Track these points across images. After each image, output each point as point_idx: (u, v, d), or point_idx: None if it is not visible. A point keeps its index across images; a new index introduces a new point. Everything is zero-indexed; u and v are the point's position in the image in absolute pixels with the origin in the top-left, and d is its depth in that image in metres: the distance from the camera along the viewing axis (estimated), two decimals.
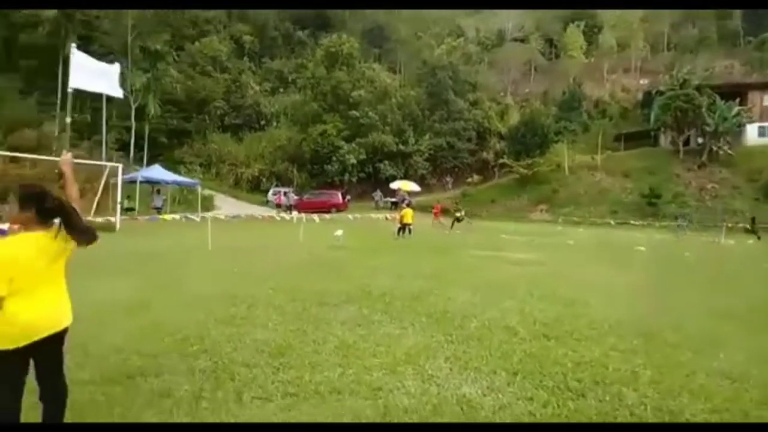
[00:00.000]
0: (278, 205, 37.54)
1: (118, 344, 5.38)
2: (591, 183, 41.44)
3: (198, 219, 24.01)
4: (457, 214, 27.20)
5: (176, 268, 11.03)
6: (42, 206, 3.01)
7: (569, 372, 4.99)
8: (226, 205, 35.66)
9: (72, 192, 3.44)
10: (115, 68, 6.07)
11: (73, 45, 4.62)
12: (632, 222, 33.94)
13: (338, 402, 4.12)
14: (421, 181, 43.45)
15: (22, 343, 2.90)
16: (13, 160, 22.30)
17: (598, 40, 65.91)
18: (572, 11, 66.30)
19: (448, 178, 47.50)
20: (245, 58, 58.49)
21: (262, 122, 52.54)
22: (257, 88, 54.13)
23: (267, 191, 42.03)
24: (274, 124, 52.11)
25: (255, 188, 44.79)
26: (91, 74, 4.73)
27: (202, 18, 58.70)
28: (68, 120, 4.39)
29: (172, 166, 37.46)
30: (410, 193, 35.43)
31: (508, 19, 70.04)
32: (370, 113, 43.87)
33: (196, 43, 53.55)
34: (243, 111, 52.06)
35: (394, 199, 38.91)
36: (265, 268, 11.26)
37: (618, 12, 63.36)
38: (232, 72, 53.80)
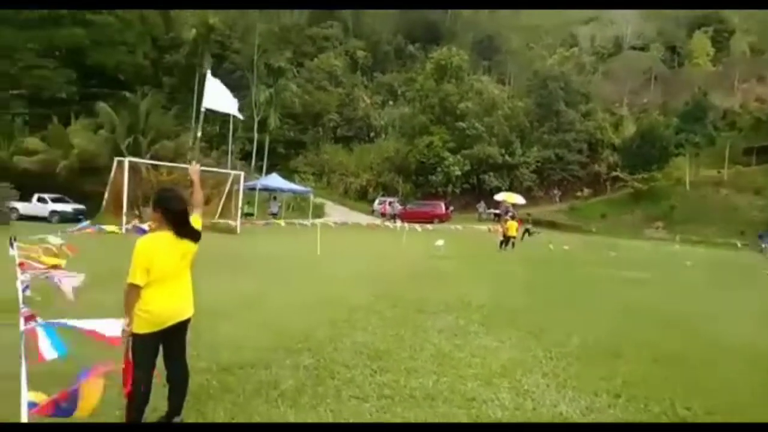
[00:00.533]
0: (383, 214, 38.24)
1: (233, 337, 5.79)
2: (716, 200, 38.03)
3: (309, 225, 25.08)
4: (528, 227, 26.37)
5: (287, 271, 11.63)
6: (168, 208, 3.38)
7: (678, 398, 4.65)
8: (335, 213, 36.92)
9: (197, 197, 3.88)
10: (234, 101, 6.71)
11: (209, 71, 5.14)
12: (765, 245, 30.58)
13: (431, 408, 4.16)
14: (526, 193, 42.27)
15: (154, 329, 3.30)
16: (154, 167, 24.66)
17: (729, 46, 60.52)
18: (699, 16, 61.51)
19: (556, 191, 45.81)
20: (358, 73, 60.42)
21: (372, 134, 53.91)
22: (368, 101, 55.68)
23: (373, 200, 42.96)
24: (383, 135, 53.26)
25: (362, 197, 45.95)
26: (220, 97, 5.22)
27: (321, 35, 61.57)
28: (198, 134, 4.92)
29: (287, 175, 39.51)
30: (515, 206, 34.58)
31: (627, 27, 66.38)
32: (477, 125, 43.48)
33: (315, 60, 56.21)
34: (354, 123, 53.77)
35: (497, 211, 38.17)
36: (368, 274, 11.54)
37: (752, 14, 57.76)
38: (346, 86, 55.81)
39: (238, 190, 24.16)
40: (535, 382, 4.89)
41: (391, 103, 56.97)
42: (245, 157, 43.79)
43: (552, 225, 35.84)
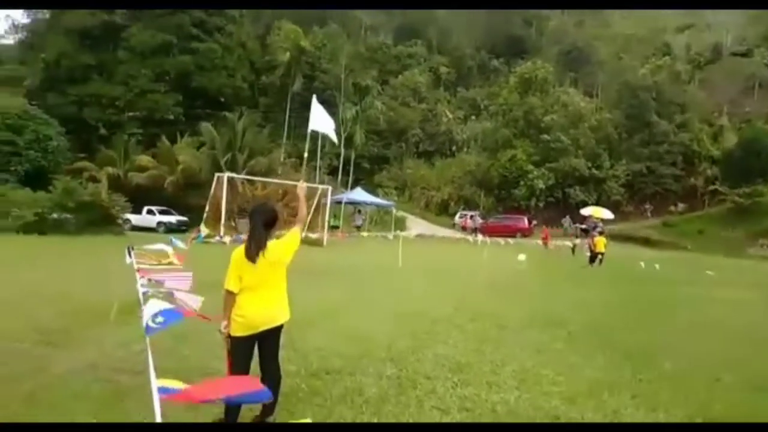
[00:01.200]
0: (464, 228, 37.89)
1: (320, 344, 6.01)
2: None
3: (391, 238, 25.37)
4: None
5: (370, 282, 11.85)
6: (262, 220, 3.61)
7: None
8: (417, 226, 37.06)
9: (301, 212, 4.15)
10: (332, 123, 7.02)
11: (314, 96, 5.46)
12: None
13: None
14: (615, 207, 40.23)
15: (249, 332, 3.53)
16: (249, 182, 26.02)
17: None
18: None
19: (647, 206, 43.29)
20: (441, 88, 60.63)
21: (454, 148, 53.76)
22: (451, 116, 55.65)
23: (454, 214, 42.70)
24: (465, 150, 52.95)
25: (443, 211, 45.80)
26: (322, 120, 5.54)
27: (405, 53, 62.48)
28: (305, 155, 5.21)
29: (372, 189, 40.26)
30: (603, 221, 33.10)
31: (727, 33, 61.95)
32: (562, 137, 42.13)
33: (399, 77, 57.08)
34: (437, 138, 53.91)
35: (584, 226, 36.65)
36: (449, 287, 11.51)
37: None
38: (429, 102, 56.16)
39: (325, 203, 24.92)
40: (623, 404, 4.68)
41: (473, 117, 56.58)
42: (332, 172, 45.11)
43: (643, 241, 33.92)
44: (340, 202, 31.68)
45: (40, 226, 20.26)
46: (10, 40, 59.56)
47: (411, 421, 4.04)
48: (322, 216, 24.83)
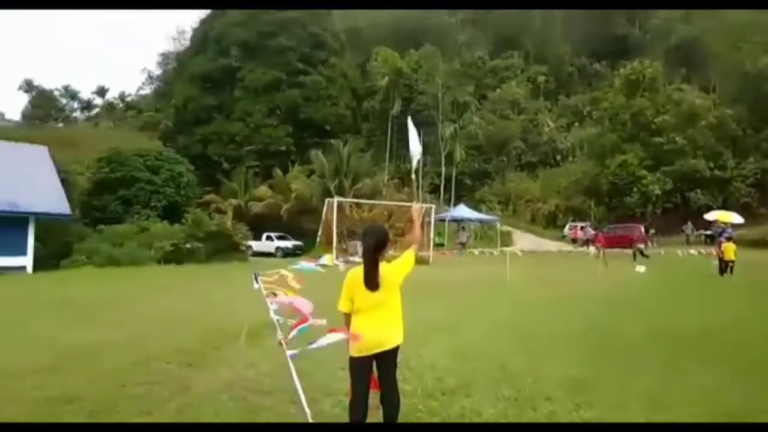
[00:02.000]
0: (574, 240, 36.13)
1: (434, 363, 5.99)
2: None
3: (497, 253, 24.83)
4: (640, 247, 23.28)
5: (479, 298, 11.66)
6: (374, 243, 3.66)
7: None
8: (523, 241, 35.94)
9: (416, 232, 4.16)
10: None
11: (409, 118, 5.54)
12: None
13: None
14: (744, 210, 36.28)
15: (365, 353, 3.59)
16: (357, 205, 26.84)
17: None
18: None
19: None
20: (541, 98, 58.89)
21: (558, 158, 51.80)
22: (553, 125, 53.80)
23: (563, 226, 40.90)
24: (570, 158, 50.80)
25: (551, 223, 44.08)
26: (415, 142, 5.56)
27: (502, 66, 61.60)
28: (413, 176, 5.31)
29: (474, 205, 39.79)
30: (731, 225, 29.95)
31: None
32: (677, 138, 38.96)
33: (497, 90, 56.30)
34: (539, 148, 52.27)
35: (709, 232, 33.41)
36: (562, 302, 11.01)
37: None
38: (529, 112, 54.74)
39: (429, 222, 25.01)
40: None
41: (577, 124, 54.25)
42: (434, 190, 45.23)
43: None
44: (443, 220, 31.65)
45: (176, 256, 22.29)
46: (147, 90, 66.76)
47: None
48: (426, 234, 24.92)
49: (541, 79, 60.30)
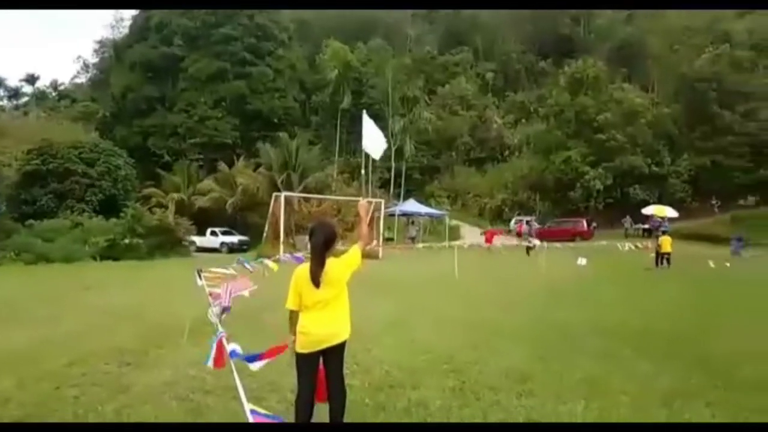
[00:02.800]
0: (519, 234, 37.20)
1: (381, 357, 6.07)
2: None
3: (446, 247, 25.23)
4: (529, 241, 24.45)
5: (427, 293, 11.84)
6: (322, 239, 3.67)
7: None
8: (471, 235, 36.64)
9: (362, 229, 4.23)
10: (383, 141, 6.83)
11: (364, 111, 5.50)
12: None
13: None
14: (679, 204, 38.41)
15: (313, 349, 3.62)
16: (305, 200, 26.62)
17: None
18: None
19: (714, 201, 41.05)
20: (489, 94, 60.09)
21: (505, 153, 53.05)
22: (500, 121, 55.02)
23: (509, 221, 41.99)
24: (517, 154, 52.13)
25: (497, 217, 45.13)
26: (373, 138, 5.53)
27: (452, 62, 62.40)
28: (362, 171, 5.28)
29: (424, 199, 40.24)
30: (667, 219, 31.64)
31: None
32: (618, 135, 40.69)
33: (446, 86, 56.99)
34: (487, 144, 53.37)
35: (646, 226, 35.21)
36: (507, 295, 11.35)
37: None
38: (478, 108, 55.74)
39: (379, 216, 25.12)
40: (698, 413, 4.49)
41: (523, 121, 55.71)
42: (384, 184, 45.41)
43: (711, 239, 32.16)
44: (393, 215, 31.86)
45: (114, 252, 21.47)
46: (82, 79, 63.67)
47: None
48: (376, 229, 25.03)
49: (490, 75, 61.52)
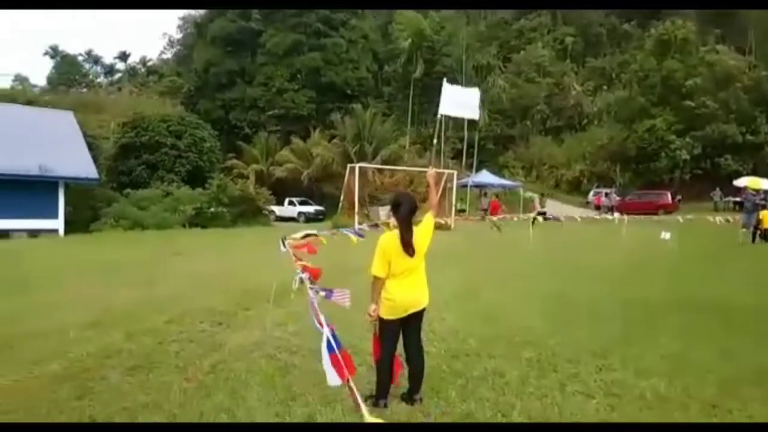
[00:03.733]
0: (597, 207, 35.69)
1: (456, 326, 6.13)
2: None
3: (518, 219, 24.71)
4: (537, 212, 22.73)
5: (502, 264, 11.72)
6: (408, 209, 3.78)
7: None
8: (547, 206, 35.52)
9: (432, 198, 4.34)
10: (475, 92, 6.64)
11: (444, 78, 5.45)
12: None
13: (665, 411, 3.91)
14: None
15: (397, 316, 3.77)
16: (379, 170, 26.85)
17: None
18: None
19: None
20: (568, 60, 57.24)
21: (584, 122, 50.63)
22: (579, 88, 52.40)
23: (587, 192, 40.35)
24: (596, 123, 49.63)
25: (575, 189, 43.47)
26: (457, 103, 5.48)
27: (528, 27, 59.84)
28: (435, 141, 5.25)
29: (497, 170, 39.42)
30: (762, 192, 29.18)
31: None
32: (708, 102, 37.73)
33: (521, 52, 54.87)
34: (564, 113, 51.12)
35: (737, 199, 32.71)
36: (584, 268, 11.01)
37: None
38: (555, 75, 53.34)
39: (451, 188, 24.92)
40: None
41: (604, 87, 52.77)
42: (456, 155, 44.82)
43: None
44: (465, 186, 31.50)
45: (201, 220, 22.73)
46: (168, 55, 66.72)
47: (554, 403, 4.01)
48: (448, 200, 24.88)
49: (569, 40, 58.44)
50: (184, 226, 22.26)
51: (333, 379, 3.33)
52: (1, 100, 36.18)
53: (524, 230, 16.27)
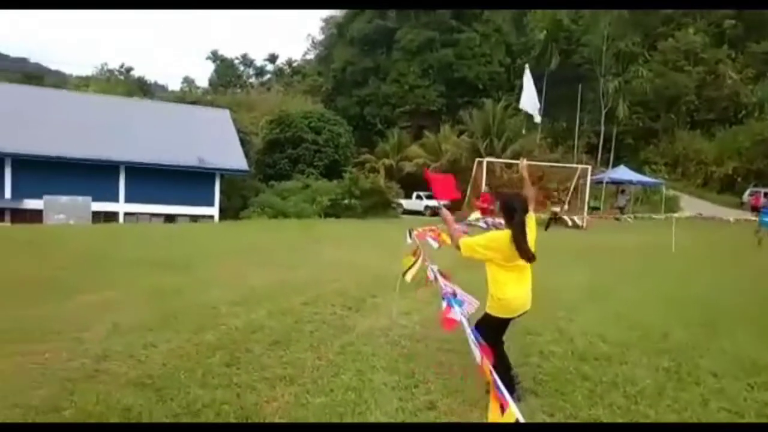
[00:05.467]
0: (754, 208, 31.43)
1: (585, 328, 5.79)
2: None
3: (663, 219, 22.64)
4: (556, 210, 19.61)
5: (638, 266, 10.84)
6: (524, 214, 3.66)
7: None
8: (693, 207, 32.14)
9: (527, 190, 4.17)
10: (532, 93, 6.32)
11: (526, 66, 5.15)
12: None
13: None
14: None
15: (508, 316, 3.75)
16: (507, 165, 26.20)
17: None
18: None
19: None
20: (725, 46, 50.94)
21: (740, 114, 44.75)
22: (736, 77, 46.41)
23: (742, 192, 35.73)
24: (756, 114, 43.60)
25: (727, 188, 38.71)
26: (530, 97, 5.24)
27: (679, 11, 54.21)
28: (539, 135, 5.01)
29: (636, 166, 36.36)
30: None
31: None
32: None
33: (670, 39, 49.87)
34: (717, 104, 45.58)
35: None
36: (732, 274, 9.80)
37: None
38: (708, 63, 47.75)
39: (584, 184, 23.52)
40: None
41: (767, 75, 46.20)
42: (590, 150, 42.11)
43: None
44: (600, 182, 29.52)
45: (336, 210, 23.90)
46: (311, 56, 70.69)
47: (695, 420, 3.64)
48: (581, 197, 23.51)
49: (728, 23, 51.93)
50: (319, 215, 23.56)
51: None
52: (172, 101, 41.00)
53: (664, 231, 14.86)
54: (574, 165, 25.86)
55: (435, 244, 5.24)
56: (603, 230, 19.67)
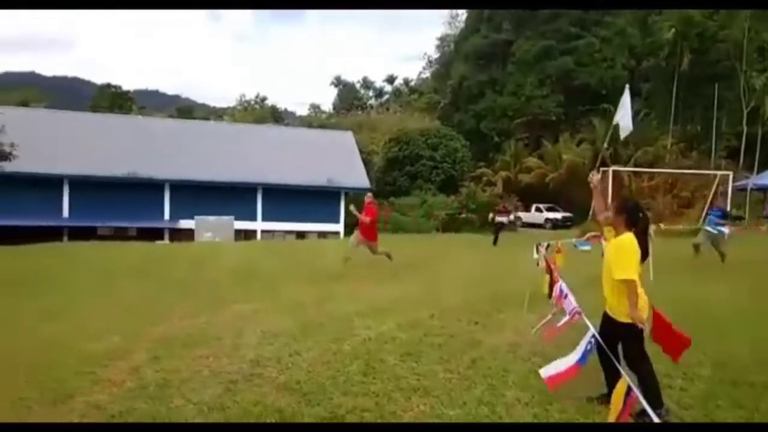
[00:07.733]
0: None
1: (734, 352, 5.24)
2: None
3: None
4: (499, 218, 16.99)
5: None
6: (628, 216, 3.61)
7: None
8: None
9: (598, 204, 4.17)
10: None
11: (626, 85, 4.88)
12: None
13: None
14: None
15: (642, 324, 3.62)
16: (635, 174, 24.47)
17: None
18: None
19: None
20: None
21: None
22: None
23: None
24: None
25: None
26: (625, 111, 4.88)
27: None
28: (605, 145, 4.76)
29: None
30: None
31: None
32: None
33: None
34: None
35: None
36: None
37: None
38: None
39: (724, 192, 21.15)
40: None
41: None
42: (731, 154, 37.77)
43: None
44: (744, 189, 26.43)
45: (452, 224, 23.95)
46: (426, 74, 71.77)
47: None
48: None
49: None
50: (437, 230, 23.74)
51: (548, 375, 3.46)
52: (300, 125, 43.87)
53: None
54: (712, 171, 23.42)
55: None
56: (751, 241, 17.51)
